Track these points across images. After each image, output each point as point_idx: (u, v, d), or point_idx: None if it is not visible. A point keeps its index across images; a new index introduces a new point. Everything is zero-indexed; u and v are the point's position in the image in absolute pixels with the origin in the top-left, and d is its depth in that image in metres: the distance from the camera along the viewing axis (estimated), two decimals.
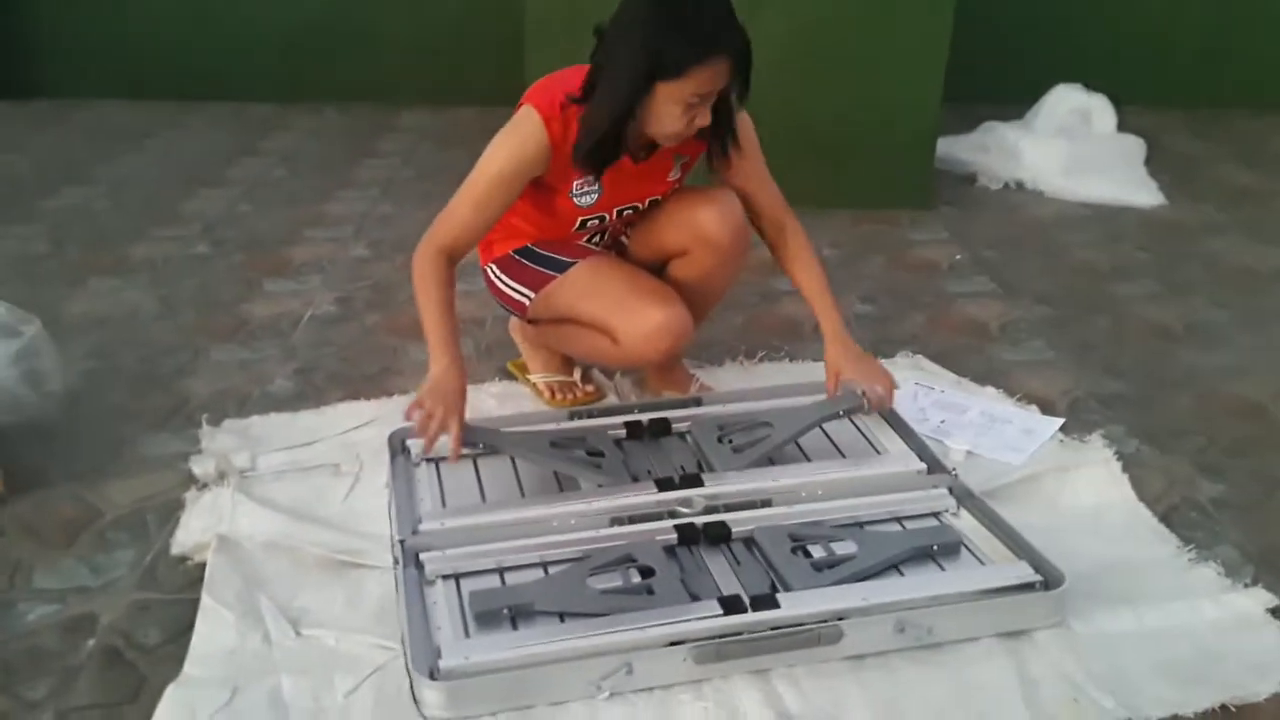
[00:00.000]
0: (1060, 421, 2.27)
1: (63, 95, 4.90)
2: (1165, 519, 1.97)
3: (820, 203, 3.61)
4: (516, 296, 2.19)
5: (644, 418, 2.15)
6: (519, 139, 1.95)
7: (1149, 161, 4.03)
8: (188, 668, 1.57)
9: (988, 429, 2.26)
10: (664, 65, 1.81)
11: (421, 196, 3.67)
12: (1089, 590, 1.71)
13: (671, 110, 1.86)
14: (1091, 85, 4.15)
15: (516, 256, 2.18)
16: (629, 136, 1.94)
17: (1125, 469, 2.08)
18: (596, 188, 2.05)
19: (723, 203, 2.11)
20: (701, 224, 2.10)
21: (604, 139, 1.90)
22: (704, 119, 1.89)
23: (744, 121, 2.07)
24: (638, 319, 2.05)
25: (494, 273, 2.23)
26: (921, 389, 2.41)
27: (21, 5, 4.82)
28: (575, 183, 2.03)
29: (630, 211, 2.15)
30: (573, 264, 2.12)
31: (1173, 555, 1.86)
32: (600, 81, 1.90)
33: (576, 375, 2.39)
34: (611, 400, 2.37)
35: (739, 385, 2.33)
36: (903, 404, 2.24)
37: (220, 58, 4.93)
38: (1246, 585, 1.77)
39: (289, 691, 1.53)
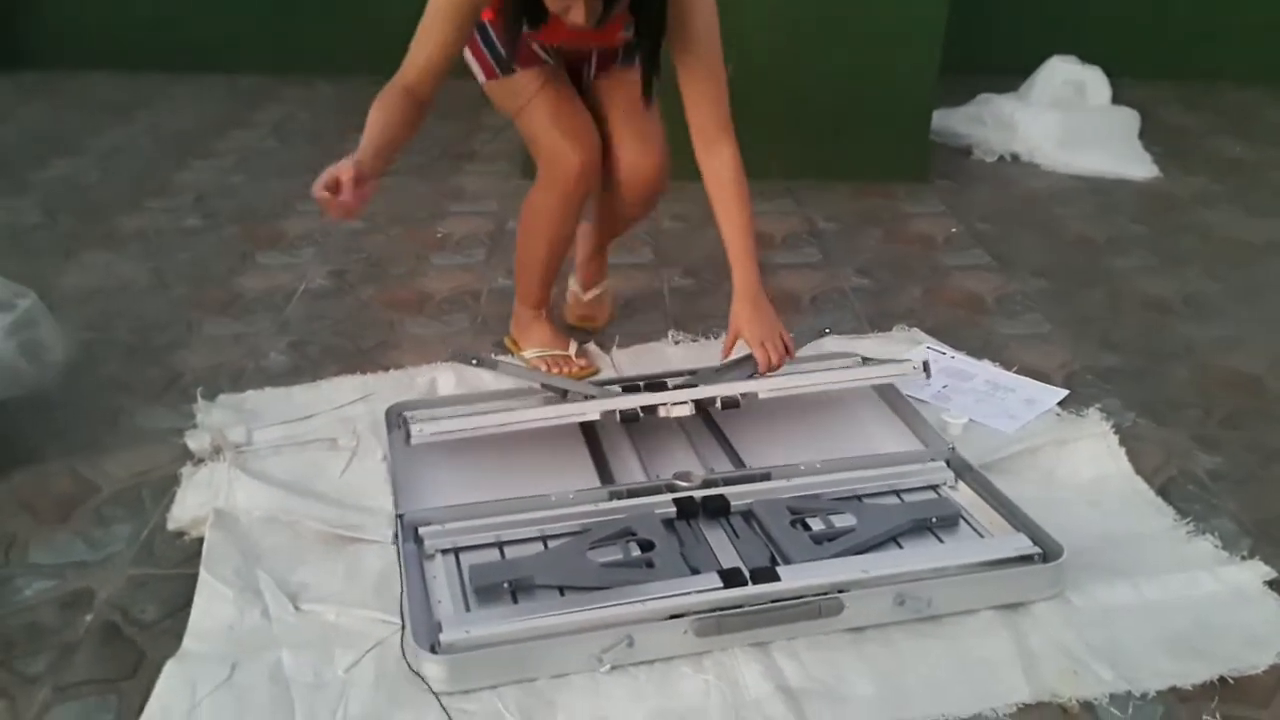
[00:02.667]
0: (1064, 393, 2.28)
1: (50, 66, 4.86)
2: (1162, 491, 1.97)
3: (817, 175, 3.61)
4: (474, 66, 2.20)
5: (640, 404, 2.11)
6: None
7: (1143, 134, 4.02)
8: (186, 643, 1.57)
9: (989, 396, 2.26)
10: None
11: (415, 169, 3.64)
12: (1087, 563, 1.71)
13: None
14: (1086, 57, 4.13)
15: (476, 32, 2.13)
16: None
17: (1122, 442, 2.08)
18: (544, 45, 2.08)
19: (644, 146, 2.15)
20: (619, 162, 2.17)
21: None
22: (578, 14, 1.74)
23: (703, 7, 1.95)
24: (560, 158, 2.09)
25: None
26: (932, 353, 2.42)
27: None
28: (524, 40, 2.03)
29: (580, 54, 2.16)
30: (514, 73, 2.13)
31: (1170, 528, 1.87)
32: None
33: (571, 349, 2.39)
34: (609, 373, 2.36)
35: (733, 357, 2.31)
36: None
37: (210, 29, 4.88)
38: (1244, 557, 1.78)
39: (289, 666, 1.53)
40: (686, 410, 1.98)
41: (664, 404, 1.98)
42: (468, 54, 2.17)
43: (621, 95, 2.22)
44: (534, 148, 2.20)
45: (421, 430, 1.89)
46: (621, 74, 2.23)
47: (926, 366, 2.12)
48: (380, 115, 1.91)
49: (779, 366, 2.00)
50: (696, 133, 2.00)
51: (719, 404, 1.99)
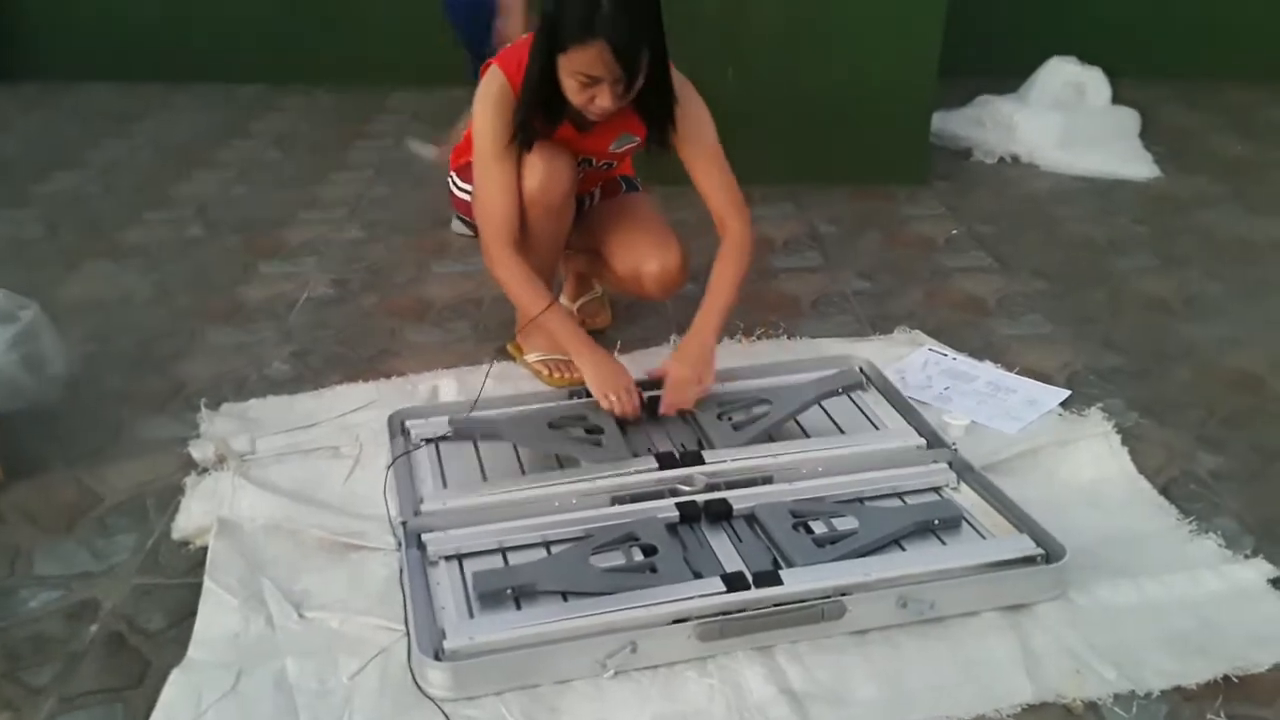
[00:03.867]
0: (1066, 393, 2.28)
1: (50, 78, 4.87)
2: (1165, 491, 1.98)
3: (817, 178, 3.61)
4: (464, 197, 2.30)
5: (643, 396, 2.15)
6: (494, 103, 2.06)
7: (1143, 134, 4.02)
8: (192, 652, 1.57)
9: (990, 397, 2.26)
10: (557, 38, 1.91)
11: (416, 178, 3.65)
12: (1090, 563, 1.72)
13: (570, 83, 1.95)
14: (1086, 58, 4.13)
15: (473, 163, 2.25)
16: (569, 104, 2.00)
17: (1124, 442, 2.09)
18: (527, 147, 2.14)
19: (666, 257, 2.27)
20: (642, 274, 2.29)
21: (539, 102, 2.01)
22: (604, 100, 1.94)
23: (698, 115, 2.13)
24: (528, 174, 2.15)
25: (453, 181, 2.36)
26: (934, 355, 2.42)
27: None
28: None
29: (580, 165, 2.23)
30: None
31: (1173, 527, 1.87)
32: (530, 49, 2.00)
33: None
34: None
35: (737, 363, 2.32)
36: (910, 370, 2.25)
37: (208, 39, 4.90)
38: (1247, 556, 1.78)
39: (294, 674, 1.53)
40: (699, 487, 1.90)
41: (676, 484, 1.90)
42: (456, 193, 2.35)
43: (629, 211, 2.38)
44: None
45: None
46: (625, 199, 2.41)
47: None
48: (534, 289, 2.12)
49: (671, 412, 2.10)
50: (712, 210, 2.19)
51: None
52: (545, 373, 2.35)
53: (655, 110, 2.08)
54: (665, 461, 1.92)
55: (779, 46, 3.46)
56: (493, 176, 2.09)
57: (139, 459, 2.07)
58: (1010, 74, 4.18)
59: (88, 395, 2.28)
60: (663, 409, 2.08)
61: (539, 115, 2.04)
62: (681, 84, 2.10)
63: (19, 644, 1.61)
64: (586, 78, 1.91)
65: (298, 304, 2.77)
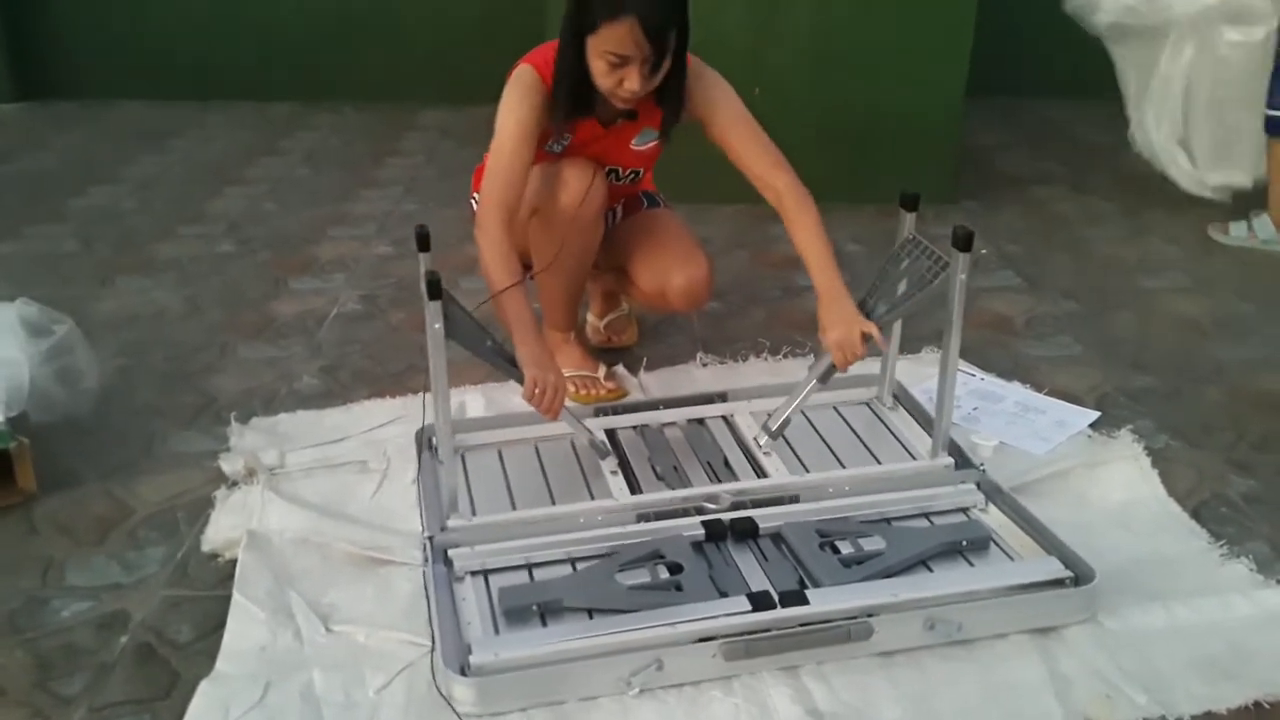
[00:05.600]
0: (1095, 414, 2.26)
1: (86, 96, 4.95)
2: (1196, 514, 1.96)
3: (843, 197, 3.60)
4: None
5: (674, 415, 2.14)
6: (524, 90, 2.05)
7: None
8: (220, 664, 1.58)
9: (1019, 418, 2.25)
10: (585, 19, 1.92)
11: (444, 195, 3.68)
12: (1120, 586, 1.70)
13: (598, 65, 1.95)
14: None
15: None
16: (596, 95, 2.02)
17: (1155, 464, 2.07)
18: (566, 139, 2.16)
19: (692, 270, 2.26)
20: (668, 288, 2.29)
21: (568, 88, 2.01)
22: (632, 81, 1.94)
23: (724, 91, 2.12)
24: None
25: (476, 201, 2.30)
26: (962, 375, 2.41)
27: (45, 6, 4.85)
28: (554, 132, 2.14)
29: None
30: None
31: (1204, 551, 1.85)
32: (559, 36, 2.01)
33: (600, 372, 2.40)
34: (636, 396, 2.37)
35: (762, 380, 2.32)
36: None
37: (241, 58, 4.96)
38: (1278, 581, 1.76)
39: (321, 687, 1.54)
40: (725, 505, 1.88)
41: (702, 502, 1.88)
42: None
43: (653, 226, 2.39)
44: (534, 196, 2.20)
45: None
46: (646, 214, 2.41)
47: (980, 485, 1.96)
48: (505, 265, 1.96)
49: (853, 363, 1.96)
50: (756, 179, 2.12)
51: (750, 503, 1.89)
52: (571, 389, 2.35)
53: (669, 96, 2.06)
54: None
55: (807, 65, 3.47)
56: (508, 157, 2.02)
57: (170, 472, 2.09)
58: (1038, 94, 4.17)
59: (120, 409, 2.31)
60: (840, 369, 1.96)
61: (570, 101, 2.03)
62: (701, 67, 2.10)
63: (50, 654, 1.63)
64: (616, 57, 1.91)
65: (327, 319, 2.79)
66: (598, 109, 2.09)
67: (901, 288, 1.98)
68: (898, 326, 2.14)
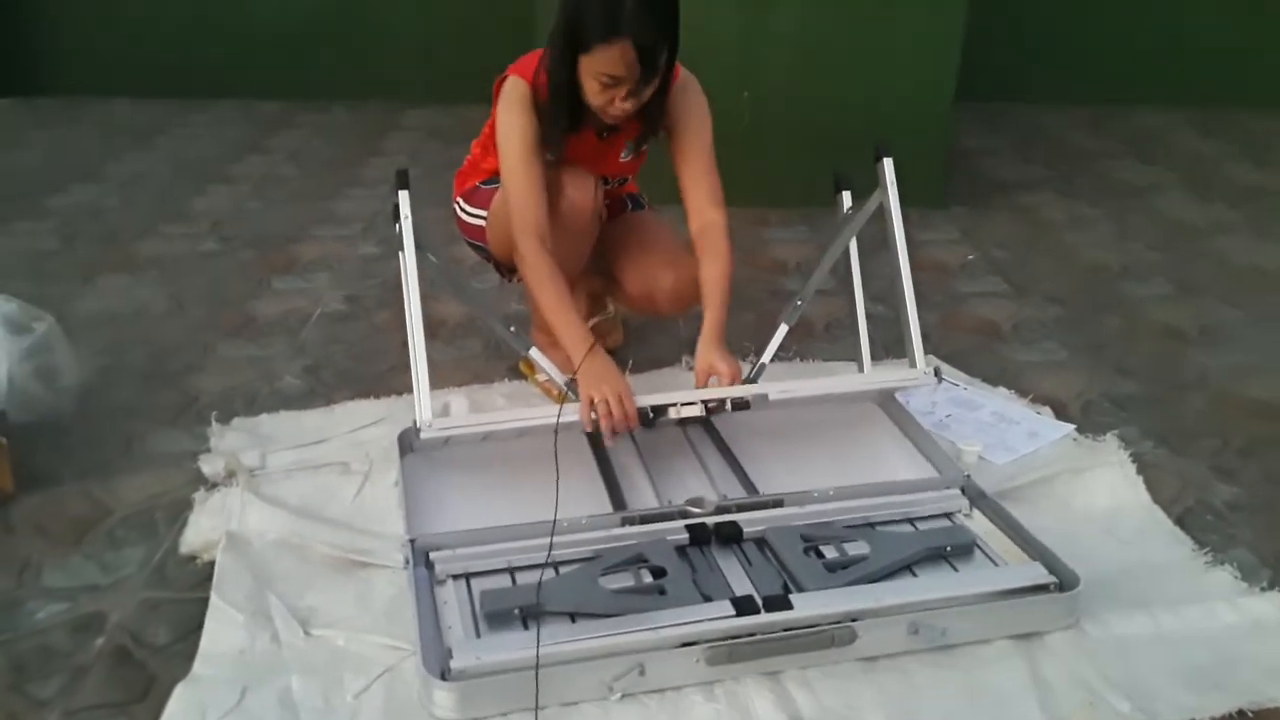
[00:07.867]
0: (1070, 427, 2.25)
1: (71, 93, 4.92)
2: (1180, 521, 1.96)
3: (831, 201, 3.60)
4: (475, 222, 2.30)
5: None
6: (520, 107, 2.05)
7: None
8: (197, 667, 1.56)
9: (992, 428, 2.25)
10: (579, 39, 1.91)
11: (430, 195, 3.64)
12: (1103, 593, 1.70)
13: (591, 85, 1.95)
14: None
15: (481, 186, 2.28)
16: (588, 108, 2.02)
17: (1139, 470, 2.07)
18: (560, 152, 2.14)
19: (679, 272, 2.24)
20: (655, 290, 2.29)
21: (564, 106, 2.01)
22: (625, 101, 1.95)
23: (699, 107, 2.14)
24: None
25: (460, 206, 2.35)
26: (945, 384, 2.40)
27: (29, 3, 4.82)
28: (550, 147, 2.12)
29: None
30: None
31: (1188, 558, 1.85)
32: (547, 51, 2.01)
33: None
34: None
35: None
36: (914, 396, 2.24)
37: (227, 56, 4.94)
38: (1263, 589, 1.76)
39: (299, 691, 1.52)
40: (696, 410, 1.97)
41: (674, 404, 1.97)
42: (465, 219, 2.34)
43: (639, 229, 2.38)
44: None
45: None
46: (631, 217, 2.41)
47: (938, 372, 2.09)
48: (555, 288, 2.04)
49: (703, 386, 2.04)
50: (690, 207, 2.16)
51: (729, 406, 1.98)
52: (556, 392, 2.34)
53: (650, 111, 2.07)
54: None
55: (795, 69, 3.46)
56: (522, 180, 2.05)
57: (149, 472, 2.07)
58: (1027, 100, 4.18)
59: (100, 408, 2.29)
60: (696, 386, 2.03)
61: (565, 118, 2.04)
62: (687, 80, 2.11)
63: (25, 656, 1.61)
64: (609, 78, 1.91)
65: (310, 319, 2.77)
66: (592, 123, 2.09)
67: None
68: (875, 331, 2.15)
